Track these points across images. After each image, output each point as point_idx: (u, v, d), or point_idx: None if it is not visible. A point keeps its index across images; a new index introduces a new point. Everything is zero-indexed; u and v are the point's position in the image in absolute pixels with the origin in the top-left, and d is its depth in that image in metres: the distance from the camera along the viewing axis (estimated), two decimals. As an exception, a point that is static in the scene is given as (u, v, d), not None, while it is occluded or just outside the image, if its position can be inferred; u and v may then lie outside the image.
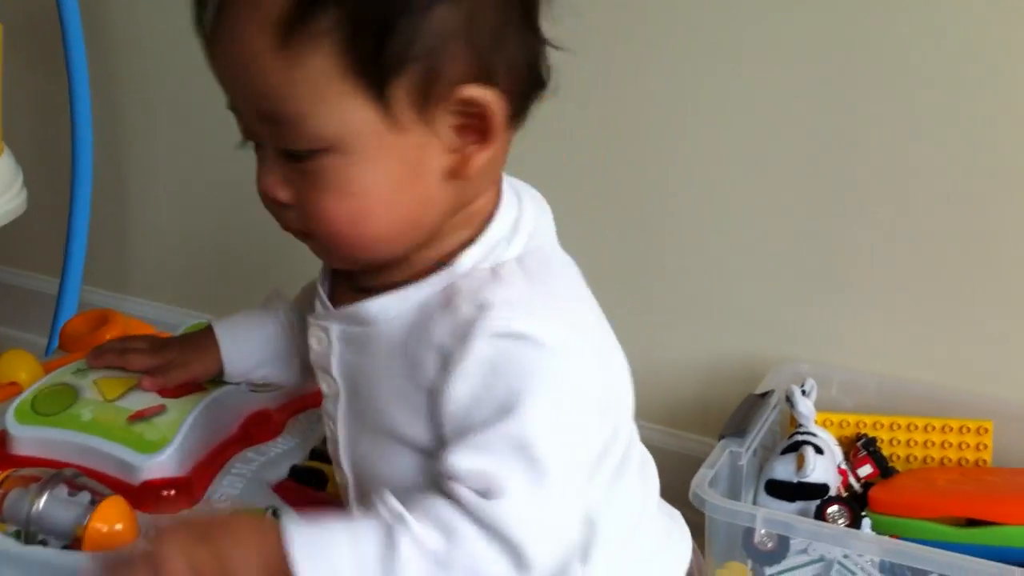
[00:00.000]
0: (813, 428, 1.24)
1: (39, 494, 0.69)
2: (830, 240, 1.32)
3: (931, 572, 1.03)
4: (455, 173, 0.63)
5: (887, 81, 1.25)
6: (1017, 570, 1.00)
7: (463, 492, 0.60)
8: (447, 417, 0.62)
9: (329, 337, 0.69)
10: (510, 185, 0.69)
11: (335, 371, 0.69)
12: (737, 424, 1.21)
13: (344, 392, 0.70)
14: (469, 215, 0.66)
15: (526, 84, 0.64)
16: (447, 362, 0.62)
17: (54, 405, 0.78)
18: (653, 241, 1.40)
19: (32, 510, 0.69)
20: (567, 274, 0.69)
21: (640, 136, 1.37)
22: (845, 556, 1.09)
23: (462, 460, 0.60)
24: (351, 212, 0.62)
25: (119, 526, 0.69)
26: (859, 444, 1.28)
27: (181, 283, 1.62)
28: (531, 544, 0.60)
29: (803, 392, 1.27)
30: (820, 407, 1.27)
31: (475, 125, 0.62)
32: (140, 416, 0.77)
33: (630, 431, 0.73)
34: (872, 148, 1.27)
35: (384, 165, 0.61)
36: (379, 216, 0.62)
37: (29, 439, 0.76)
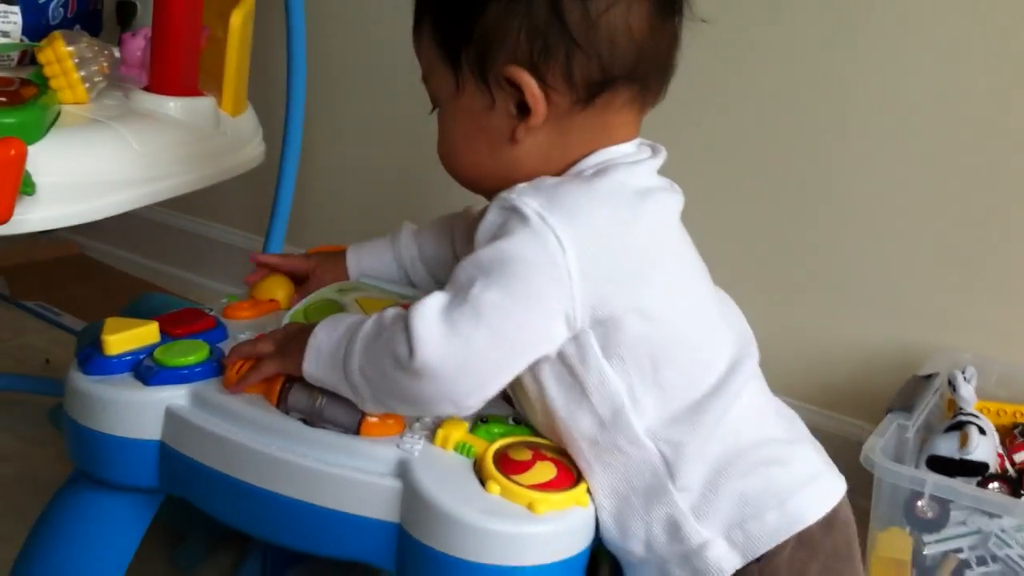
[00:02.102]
0: (973, 411, 1.29)
1: (322, 392, 0.81)
2: (993, 230, 1.35)
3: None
4: (511, 138, 0.79)
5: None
6: None
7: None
8: None
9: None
10: None
11: None
12: (904, 400, 1.27)
13: None
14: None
15: (590, 75, 0.77)
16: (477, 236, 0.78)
17: (324, 315, 0.89)
18: (816, 225, 1.44)
19: (317, 405, 0.81)
20: (612, 189, 0.78)
21: (801, 123, 1.42)
22: (1002, 530, 1.14)
23: None
24: (447, 150, 0.84)
25: (390, 420, 0.80)
26: (1016, 431, 1.32)
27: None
28: (421, 341, 0.73)
29: (964, 378, 1.32)
30: (977, 396, 1.30)
31: (524, 102, 0.78)
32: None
33: (721, 361, 0.80)
34: None
35: (460, 120, 0.82)
36: (461, 157, 0.83)
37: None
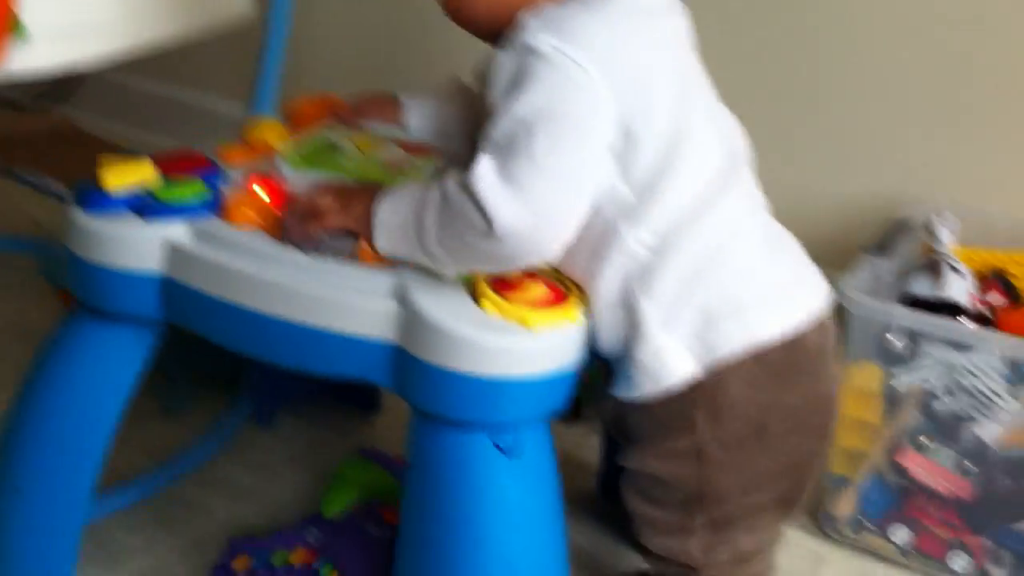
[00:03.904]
0: (950, 253, 1.32)
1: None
2: (977, 79, 1.37)
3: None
4: None
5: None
6: None
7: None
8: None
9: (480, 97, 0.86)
10: None
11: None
12: (880, 243, 1.30)
13: None
14: None
15: None
16: (494, 81, 0.79)
17: (319, 155, 0.92)
18: (797, 76, 1.45)
19: (315, 235, 0.84)
20: (617, 9, 0.80)
21: None
22: (972, 362, 1.18)
23: (478, 147, 0.78)
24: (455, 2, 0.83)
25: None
26: (990, 275, 1.35)
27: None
28: (493, 208, 0.75)
29: (941, 222, 1.34)
30: (955, 243, 1.33)
31: None
32: (393, 167, 0.91)
33: (710, 171, 0.83)
34: None
35: None
36: (470, 5, 0.82)
37: (300, 181, 0.89)
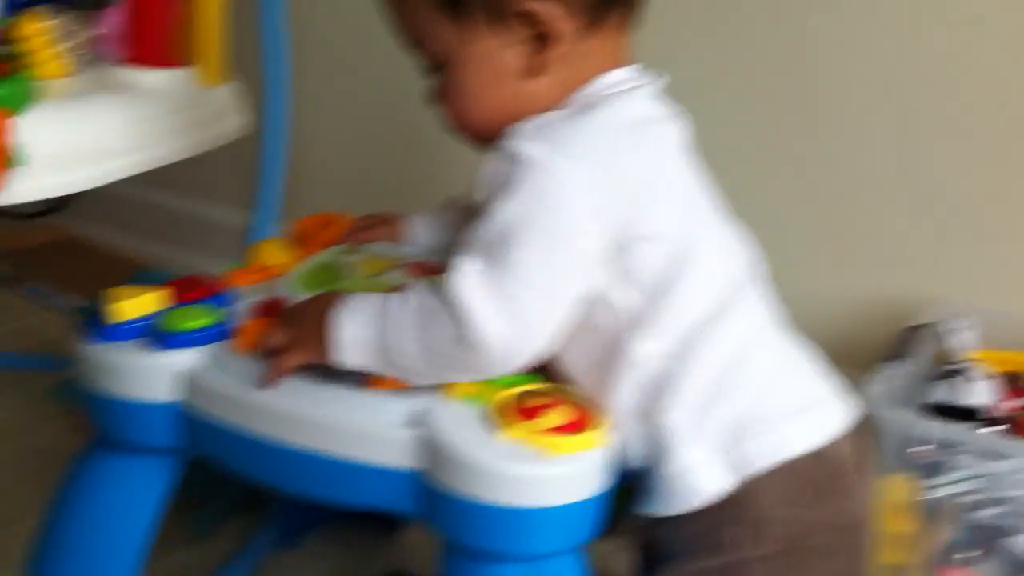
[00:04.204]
0: (969, 358, 1.31)
1: None
2: (983, 182, 1.36)
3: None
4: (531, 71, 0.80)
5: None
6: None
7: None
8: None
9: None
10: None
11: None
12: (898, 351, 1.28)
13: None
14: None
15: None
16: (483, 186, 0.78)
17: (325, 278, 0.91)
18: (805, 180, 1.45)
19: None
20: (613, 120, 0.79)
21: (793, 73, 1.42)
22: (1003, 472, 1.15)
23: (460, 252, 0.77)
24: (459, 108, 0.83)
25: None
26: (1010, 379, 1.34)
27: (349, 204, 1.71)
28: (473, 314, 0.73)
29: (958, 328, 1.33)
30: (974, 345, 1.32)
31: (537, 33, 0.79)
32: (395, 290, 0.89)
33: (723, 283, 0.82)
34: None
35: (471, 69, 0.81)
36: (477, 107, 0.82)
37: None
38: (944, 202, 1.40)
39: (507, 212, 0.75)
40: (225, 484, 1.11)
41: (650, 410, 0.79)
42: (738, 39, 1.46)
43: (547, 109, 0.81)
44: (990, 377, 1.28)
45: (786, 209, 1.48)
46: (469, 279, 0.75)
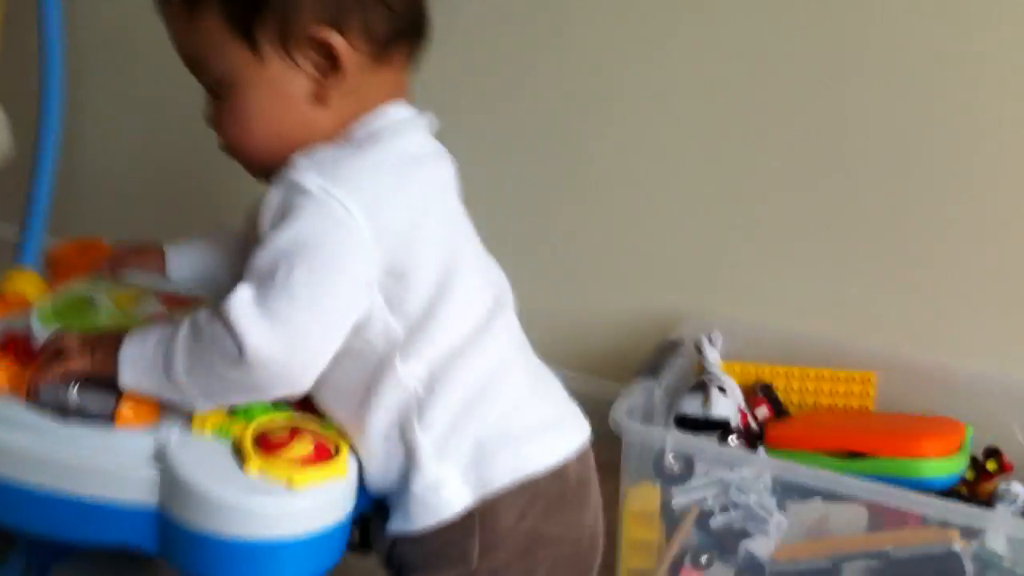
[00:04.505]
0: (718, 373, 1.40)
1: (74, 386, 0.81)
2: (737, 201, 1.45)
3: (816, 490, 1.17)
4: (318, 98, 0.82)
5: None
6: (887, 488, 1.15)
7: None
8: None
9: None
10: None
11: None
12: (652, 364, 1.36)
13: None
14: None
15: (384, 31, 0.82)
16: (261, 215, 0.80)
17: (74, 311, 0.89)
18: (572, 193, 1.51)
19: (68, 397, 0.81)
20: (387, 155, 0.82)
21: (560, 95, 1.48)
22: (741, 479, 1.24)
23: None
24: (239, 131, 0.83)
25: (143, 406, 0.82)
26: (758, 388, 1.43)
27: (122, 227, 1.67)
28: (246, 335, 0.76)
29: (710, 341, 1.42)
30: (724, 357, 1.41)
31: (327, 61, 0.81)
32: (151, 320, 0.88)
33: (479, 311, 0.86)
34: (778, 101, 1.40)
35: (259, 93, 0.82)
36: (260, 132, 0.83)
37: (53, 340, 0.86)
38: (695, 217, 1.48)
39: (282, 238, 0.77)
40: None
41: (404, 430, 0.83)
42: (494, 70, 1.51)
43: (327, 138, 0.82)
44: (735, 389, 1.37)
45: (544, 226, 1.53)
46: (243, 302, 0.76)
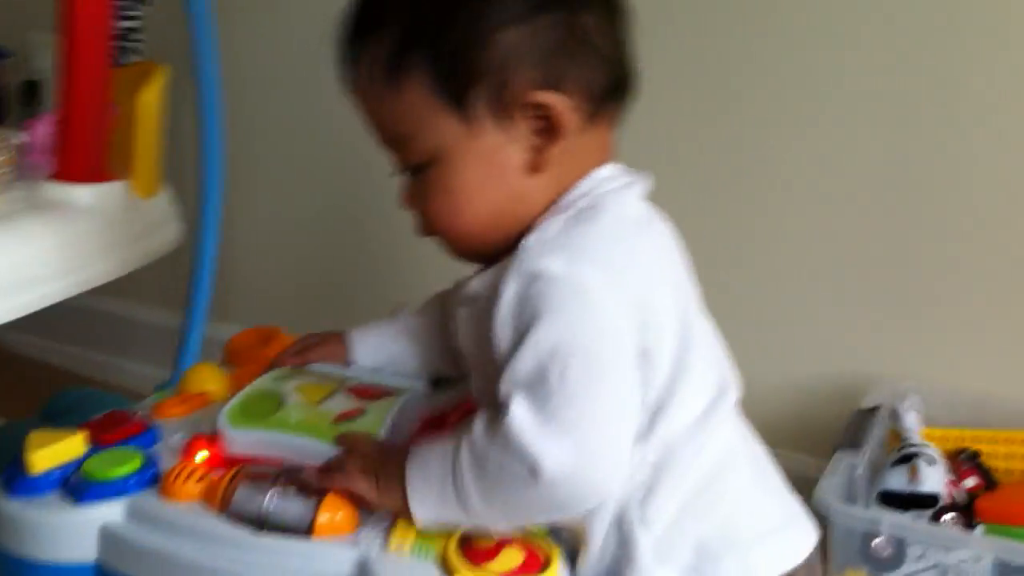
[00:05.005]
0: (919, 441, 1.29)
1: (270, 491, 0.77)
2: (920, 262, 1.38)
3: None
4: (533, 167, 0.76)
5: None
6: None
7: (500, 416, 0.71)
8: (500, 357, 0.73)
9: (457, 320, 0.80)
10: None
11: (464, 347, 0.80)
12: (851, 437, 1.26)
13: (472, 369, 0.80)
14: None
15: (600, 87, 0.76)
16: (498, 309, 0.73)
17: (263, 408, 0.85)
18: (751, 261, 1.46)
19: (264, 507, 0.76)
20: (618, 224, 0.76)
21: (733, 162, 1.44)
22: (961, 561, 1.13)
23: (500, 388, 0.72)
24: (449, 209, 0.77)
25: (340, 515, 0.76)
26: (962, 457, 1.32)
27: (279, 311, 1.67)
28: (536, 454, 0.69)
29: (907, 407, 1.32)
30: (922, 423, 1.32)
31: (545, 125, 0.75)
32: (345, 417, 0.84)
33: (710, 389, 0.79)
34: (952, 164, 1.34)
35: (471, 166, 0.76)
36: (472, 209, 0.77)
37: (243, 440, 0.83)
38: (884, 284, 1.41)
39: (542, 338, 0.71)
40: None
41: (624, 522, 0.75)
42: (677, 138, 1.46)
43: (541, 210, 0.77)
44: (940, 459, 1.27)
45: (734, 299, 1.46)
46: (523, 420, 0.70)
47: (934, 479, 1.24)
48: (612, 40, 0.77)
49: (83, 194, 1.08)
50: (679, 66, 1.44)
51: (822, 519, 1.13)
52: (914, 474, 1.23)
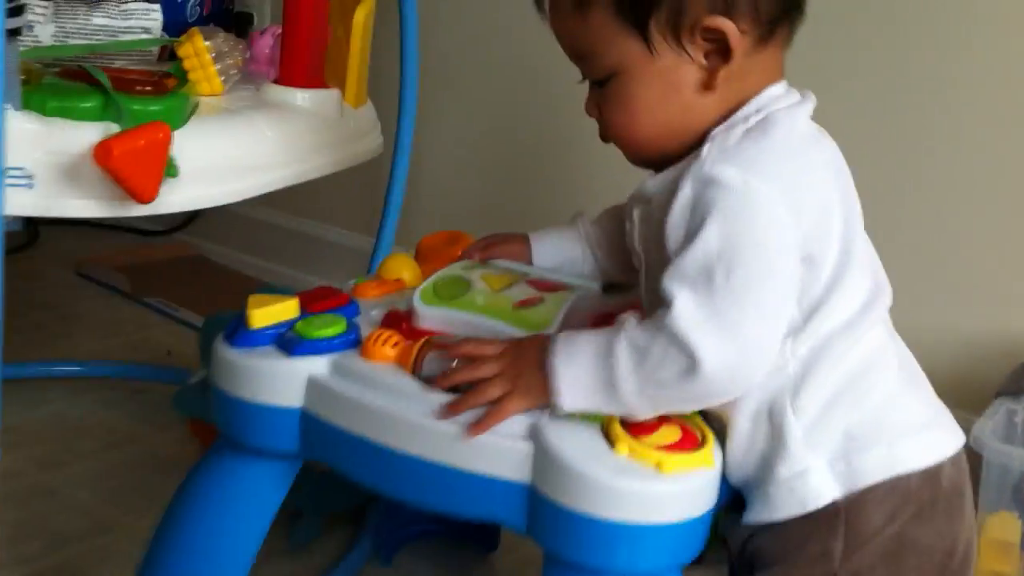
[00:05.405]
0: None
1: (456, 360, 0.85)
2: None
3: None
4: (706, 85, 0.82)
5: None
6: None
7: (661, 309, 0.78)
8: (670, 254, 0.79)
9: (632, 219, 0.88)
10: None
11: (637, 246, 0.88)
12: (1013, 385, 1.27)
13: (643, 265, 0.88)
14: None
15: (767, 12, 0.82)
16: (672, 209, 0.79)
17: (452, 291, 0.94)
18: (919, 215, 1.46)
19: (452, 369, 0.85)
20: (791, 138, 0.82)
21: (908, 114, 1.44)
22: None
23: (664, 283, 0.78)
24: (627, 120, 0.84)
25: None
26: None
27: (465, 219, 1.74)
28: (698, 347, 0.75)
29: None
30: None
31: (717, 48, 0.81)
32: (524, 304, 0.92)
33: (864, 294, 0.83)
34: None
35: (649, 83, 0.83)
36: (648, 122, 0.84)
37: (433, 317, 0.91)
38: None
39: (712, 238, 0.77)
40: (326, 498, 1.19)
41: (774, 412, 0.81)
42: (868, 60, 1.48)
43: (713, 123, 0.83)
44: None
45: (904, 243, 1.47)
46: (688, 313, 0.76)
47: (1096, 431, 1.23)
48: None
49: (302, 97, 1.19)
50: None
51: (976, 458, 1.15)
52: (1073, 424, 1.23)
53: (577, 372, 0.80)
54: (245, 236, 2.01)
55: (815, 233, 0.80)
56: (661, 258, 0.82)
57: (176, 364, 1.59)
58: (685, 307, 0.77)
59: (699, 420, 0.84)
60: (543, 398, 0.80)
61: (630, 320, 0.80)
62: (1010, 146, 1.40)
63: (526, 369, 0.81)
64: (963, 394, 1.40)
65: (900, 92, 1.45)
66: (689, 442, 0.81)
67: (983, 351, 1.44)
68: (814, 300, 0.81)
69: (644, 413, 0.80)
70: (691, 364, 0.76)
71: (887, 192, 1.47)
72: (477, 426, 0.80)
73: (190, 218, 2.07)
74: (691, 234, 0.78)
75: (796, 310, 0.81)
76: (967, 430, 1.15)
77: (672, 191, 0.81)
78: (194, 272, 2.00)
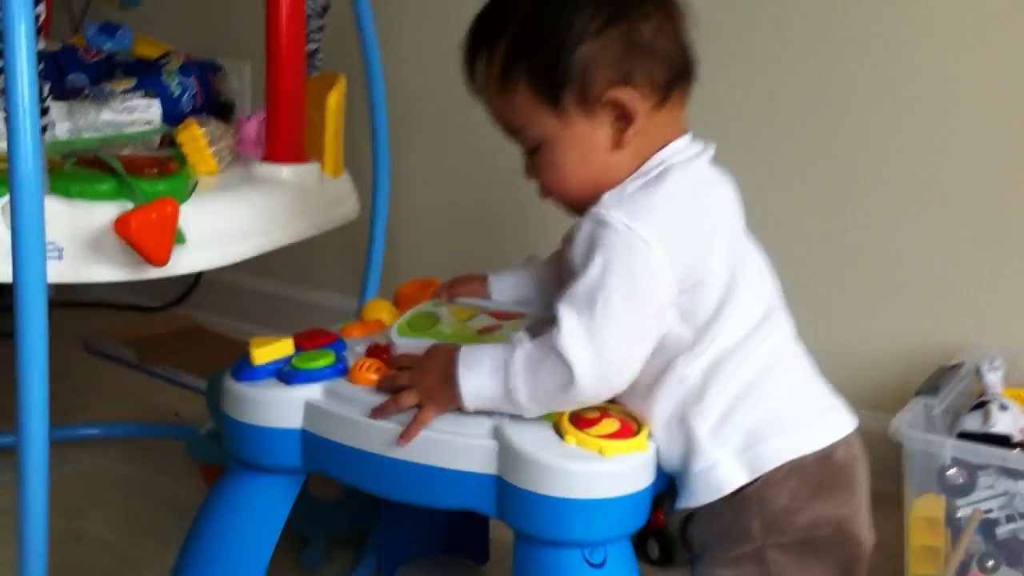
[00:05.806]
0: (999, 394, 1.42)
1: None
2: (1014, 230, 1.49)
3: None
4: (617, 145, 0.96)
5: None
6: None
7: (553, 328, 0.92)
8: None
9: (565, 255, 1.02)
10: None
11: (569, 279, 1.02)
12: (929, 385, 1.42)
13: None
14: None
15: (662, 78, 0.96)
16: (575, 243, 0.94)
17: (424, 324, 1.10)
18: (849, 227, 1.58)
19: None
20: (680, 188, 0.96)
21: (834, 121, 1.56)
22: (1026, 490, 1.27)
23: (558, 306, 0.93)
24: (557, 180, 0.99)
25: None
26: (1031, 412, 1.44)
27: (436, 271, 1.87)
28: (576, 361, 0.90)
29: (991, 366, 1.43)
30: (1007, 384, 1.42)
31: (622, 113, 0.96)
32: (485, 330, 1.08)
33: (755, 315, 0.97)
34: None
35: (570, 148, 0.97)
36: (574, 180, 0.98)
37: (408, 346, 1.07)
38: (973, 251, 1.51)
39: (596, 270, 0.91)
40: (327, 526, 1.33)
41: (684, 418, 0.97)
42: (771, 90, 1.60)
43: (627, 176, 0.97)
44: (1014, 406, 1.40)
45: (819, 260, 1.60)
46: (571, 332, 0.91)
47: (1007, 422, 1.35)
48: (669, 40, 0.97)
49: (286, 171, 1.35)
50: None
51: (897, 448, 1.28)
52: (987, 417, 1.35)
53: (478, 383, 0.94)
54: (237, 305, 2.16)
55: (699, 264, 0.96)
56: None
57: (184, 422, 1.72)
58: (570, 328, 0.92)
59: (634, 414, 0.99)
60: (452, 404, 0.95)
61: (524, 338, 0.96)
62: (932, 168, 1.51)
63: (435, 380, 0.96)
64: (892, 399, 1.52)
65: (832, 122, 1.57)
66: (626, 431, 0.97)
67: (915, 361, 1.56)
68: (705, 319, 0.96)
69: (534, 413, 0.96)
70: (570, 376, 0.91)
71: (821, 213, 1.59)
72: (404, 436, 0.96)
73: (187, 292, 2.22)
74: (582, 265, 0.93)
75: (687, 329, 0.96)
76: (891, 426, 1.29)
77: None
78: (193, 341, 2.15)
